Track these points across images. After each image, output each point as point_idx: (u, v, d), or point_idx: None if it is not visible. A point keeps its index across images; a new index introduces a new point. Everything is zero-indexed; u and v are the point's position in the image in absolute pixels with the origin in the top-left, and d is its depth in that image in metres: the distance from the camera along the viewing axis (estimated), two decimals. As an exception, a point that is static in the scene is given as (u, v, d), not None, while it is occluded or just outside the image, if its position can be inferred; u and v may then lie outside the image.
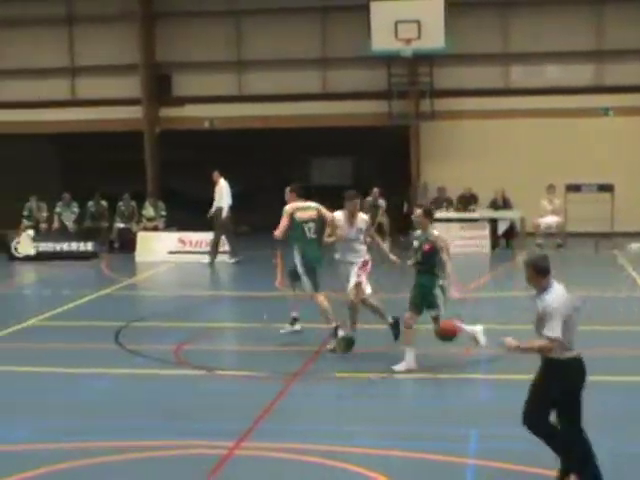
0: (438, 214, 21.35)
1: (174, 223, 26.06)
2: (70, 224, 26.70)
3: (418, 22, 25.37)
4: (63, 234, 26.06)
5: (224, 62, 28.39)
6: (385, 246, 14.86)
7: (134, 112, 28.10)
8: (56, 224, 26.70)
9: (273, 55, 28.27)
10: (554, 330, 7.97)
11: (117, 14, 28.63)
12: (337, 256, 13.71)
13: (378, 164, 29.21)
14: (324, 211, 13.91)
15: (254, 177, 29.71)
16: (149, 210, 26.36)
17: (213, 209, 23.32)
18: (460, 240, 23.82)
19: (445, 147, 27.68)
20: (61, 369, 13.06)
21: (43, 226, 26.56)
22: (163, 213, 26.27)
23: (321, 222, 13.88)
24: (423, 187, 27.57)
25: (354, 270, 13.54)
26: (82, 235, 25.78)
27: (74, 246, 24.87)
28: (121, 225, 26.33)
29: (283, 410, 11.02)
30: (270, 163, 29.50)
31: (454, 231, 23.86)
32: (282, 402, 11.30)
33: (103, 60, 28.80)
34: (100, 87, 28.87)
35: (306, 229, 13.75)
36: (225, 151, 29.30)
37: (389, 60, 26.89)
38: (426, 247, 12.33)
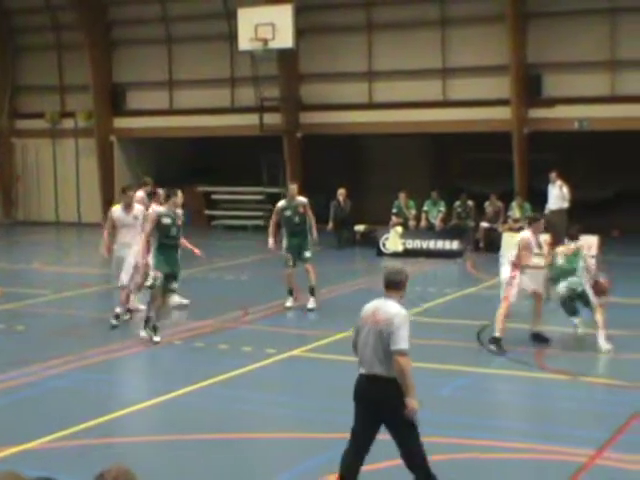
0: None
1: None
2: (437, 222, 27.21)
3: None
4: (430, 232, 26.64)
5: (595, 62, 27.71)
6: None
7: (503, 113, 28.15)
8: (423, 222, 27.31)
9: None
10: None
11: (488, 15, 28.80)
12: None
13: None
14: None
15: (622, 181, 28.91)
16: (515, 211, 26.32)
17: (547, 210, 23.95)
18: None
19: None
20: (422, 364, 13.40)
21: (411, 223, 27.23)
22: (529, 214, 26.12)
23: None
24: None
25: None
26: (448, 234, 26.20)
27: (440, 244, 25.37)
28: (487, 225, 26.51)
29: (647, 422, 10.68)
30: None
31: None
32: (646, 413, 10.95)
33: (473, 61, 29.10)
34: (470, 88, 29.19)
35: None
36: (593, 153, 28.74)
37: None
38: None
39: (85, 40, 33.52)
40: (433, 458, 7.95)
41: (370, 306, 8.04)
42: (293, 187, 18.52)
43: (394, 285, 8.01)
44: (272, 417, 11.21)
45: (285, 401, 11.79)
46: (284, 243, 18.18)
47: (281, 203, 18.45)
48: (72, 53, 34.67)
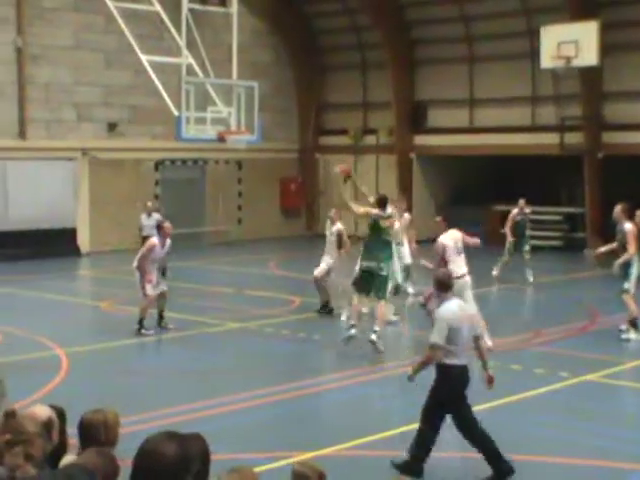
0: None
1: None
2: None
3: None
4: None
5: None
6: None
7: None
8: None
9: None
10: (434, 336, 9.23)
11: None
12: None
13: None
14: None
15: None
16: None
17: None
18: None
19: None
20: None
21: None
22: None
23: None
24: None
25: None
26: None
27: None
28: None
29: None
30: None
31: None
32: None
33: None
34: None
35: None
36: None
37: None
38: None
39: (389, 58, 34.27)
40: None
41: (455, 306, 9.47)
42: (616, 209, 17.33)
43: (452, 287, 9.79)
44: (560, 442, 10.96)
45: (575, 426, 11.50)
46: None
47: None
48: (375, 71, 35.53)
